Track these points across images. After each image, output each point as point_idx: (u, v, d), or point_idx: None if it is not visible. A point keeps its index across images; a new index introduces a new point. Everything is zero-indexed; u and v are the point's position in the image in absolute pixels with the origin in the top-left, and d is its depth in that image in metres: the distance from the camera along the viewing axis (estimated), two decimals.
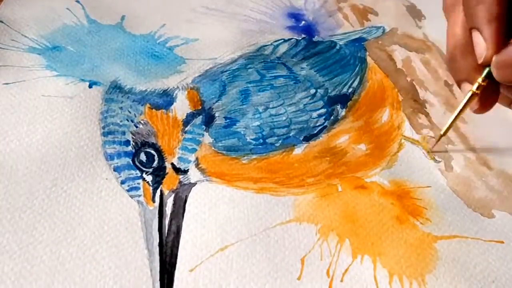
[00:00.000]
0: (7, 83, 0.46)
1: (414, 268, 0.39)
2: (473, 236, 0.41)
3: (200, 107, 0.47)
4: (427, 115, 0.51)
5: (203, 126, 0.45)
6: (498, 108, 0.47)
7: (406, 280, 0.38)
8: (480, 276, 0.39)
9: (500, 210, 0.44)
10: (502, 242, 0.41)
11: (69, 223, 0.38)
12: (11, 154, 0.41)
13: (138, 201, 0.40)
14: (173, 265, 0.37)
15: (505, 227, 0.42)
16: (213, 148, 0.44)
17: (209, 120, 0.46)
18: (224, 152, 0.44)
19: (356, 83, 0.52)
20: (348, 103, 0.50)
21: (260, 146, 0.45)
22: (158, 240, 0.38)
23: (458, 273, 0.39)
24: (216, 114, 0.46)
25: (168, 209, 0.40)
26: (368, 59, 0.56)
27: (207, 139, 0.45)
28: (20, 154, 0.41)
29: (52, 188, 0.40)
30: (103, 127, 0.44)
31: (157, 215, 0.39)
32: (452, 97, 0.54)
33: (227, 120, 0.46)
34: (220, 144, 0.45)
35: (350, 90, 0.51)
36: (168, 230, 0.39)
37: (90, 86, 0.47)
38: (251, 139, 0.45)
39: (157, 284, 0.36)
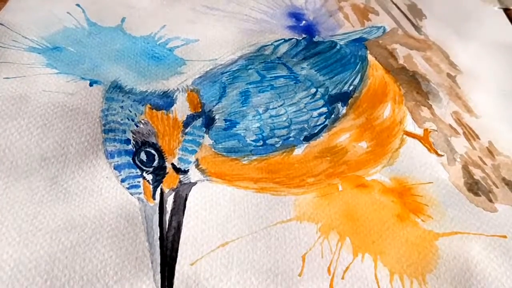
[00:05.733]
0: (7, 78, 0.46)
1: (414, 267, 0.39)
2: (475, 231, 0.41)
3: (200, 110, 0.47)
4: (430, 107, 0.51)
5: (203, 128, 0.45)
6: (504, 97, 0.48)
7: (406, 279, 0.38)
8: (480, 275, 0.38)
9: (503, 203, 0.44)
10: (505, 237, 0.41)
11: (69, 214, 0.38)
12: (11, 148, 0.41)
13: (139, 198, 0.40)
14: (173, 259, 0.37)
15: (508, 221, 0.42)
16: (213, 149, 0.44)
17: (209, 122, 0.46)
18: (224, 153, 0.44)
19: (357, 80, 0.52)
20: (349, 100, 0.50)
21: (260, 147, 0.45)
22: (158, 234, 0.38)
23: (458, 272, 0.38)
24: (216, 117, 0.46)
25: (169, 206, 0.40)
26: (369, 57, 0.56)
27: (207, 140, 0.45)
28: (20, 149, 0.41)
29: (52, 185, 0.40)
30: (104, 125, 0.44)
31: (157, 211, 0.39)
32: (456, 86, 0.54)
33: (227, 123, 0.46)
34: (220, 146, 0.44)
35: (351, 87, 0.51)
36: (168, 226, 0.39)
37: (90, 85, 0.47)
38: (251, 140, 0.45)
39: (158, 276, 0.36)
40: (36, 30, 0.53)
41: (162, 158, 0.42)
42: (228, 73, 0.51)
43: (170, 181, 0.41)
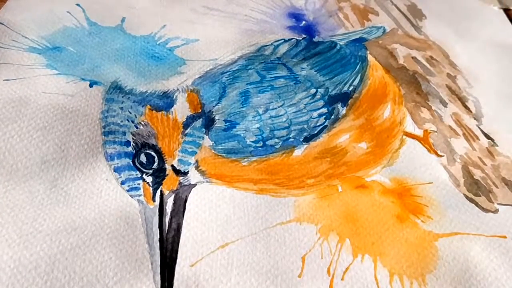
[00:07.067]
0: (7, 79, 0.46)
1: (414, 268, 0.39)
2: (475, 232, 0.41)
3: (200, 110, 0.46)
4: (429, 108, 0.51)
5: (203, 129, 0.45)
6: (504, 97, 0.48)
7: (406, 280, 0.38)
8: (480, 275, 0.38)
9: (503, 204, 0.44)
10: (505, 237, 0.41)
11: (69, 216, 0.38)
12: (11, 151, 0.41)
13: (138, 200, 0.40)
14: (173, 260, 0.37)
15: (508, 221, 0.42)
16: (213, 150, 0.44)
17: (209, 123, 0.46)
18: (224, 154, 0.44)
19: (357, 81, 0.52)
20: (349, 101, 0.50)
21: (260, 149, 0.45)
22: (158, 236, 0.38)
23: (458, 273, 0.38)
24: (216, 117, 0.46)
25: (168, 208, 0.40)
26: (369, 57, 0.56)
27: (207, 142, 0.44)
28: (20, 152, 0.41)
29: (52, 189, 0.40)
30: (104, 127, 0.44)
31: (157, 213, 0.39)
32: (456, 87, 0.54)
33: (227, 123, 0.46)
34: (220, 147, 0.44)
35: (351, 88, 0.51)
36: (168, 227, 0.39)
37: (90, 86, 0.47)
38: (251, 141, 0.45)
39: (158, 277, 0.36)
40: (36, 30, 0.53)
41: (162, 160, 0.42)
42: (228, 73, 0.51)
43: (170, 183, 0.41)
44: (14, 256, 0.35)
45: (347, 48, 0.56)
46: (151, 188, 0.41)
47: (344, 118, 0.48)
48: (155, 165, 0.42)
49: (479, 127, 0.50)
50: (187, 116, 0.46)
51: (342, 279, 0.37)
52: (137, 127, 0.44)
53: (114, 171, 0.41)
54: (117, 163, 0.42)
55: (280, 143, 0.45)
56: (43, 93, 0.45)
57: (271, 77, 0.51)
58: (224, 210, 0.40)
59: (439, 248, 0.40)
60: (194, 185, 0.42)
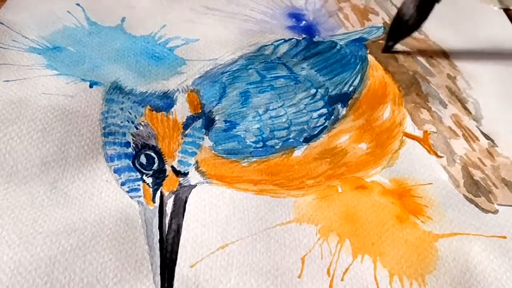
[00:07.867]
0: (7, 80, 0.46)
1: (414, 269, 0.38)
2: (475, 232, 0.41)
3: (200, 111, 0.46)
4: (429, 109, 0.51)
5: (203, 130, 0.45)
6: (504, 98, 0.48)
7: (406, 280, 0.38)
8: (480, 276, 0.38)
9: (503, 204, 0.44)
10: (505, 238, 0.41)
11: (69, 217, 0.38)
12: (11, 152, 0.41)
13: (138, 201, 0.40)
14: (173, 261, 0.37)
15: (508, 222, 0.42)
16: (213, 151, 0.44)
17: (209, 124, 0.46)
18: (224, 155, 0.44)
19: (357, 81, 0.52)
20: (349, 101, 0.50)
21: (260, 149, 0.45)
22: (158, 237, 0.38)
23: (458, 273, 0.38)
24: (216, 118, 0.46)
25: (168, 209, 0.40)
26: (369, 57, 0.56)
27: (207, 142, 0.44)
28: (20, 153, 0.41)
29: (52, 190, 0.40)
30: (104, 128, 0.44)
31: (157, 214, 0.39)
32: (456, 88, 0.54)
33: (227, 124, 0.46)
34: (220, 148, 0.44)
35: (351, 88, 0.51)
36: (168, 228, 0.39)
37: (90, 86, 0.47)
38: (251, 142, 0.45)
39: (158, 278, 0.36)
40: (36, 30, 0.53)
41: (162, 161, 0.42)
42: (228, 73, 0.51)
43: (170, 184, 0.41)
44: (14, 257, 0.35)
45: (347, 48, 0.56)
46: (151, 189, 0.41)
47: (344, 118, 0.48)
48: (155, 166, 0.42)
49: (478, 128, 0.50)
50: (187, 116, 0.46)
51: (342, 279, 0.37)
52: (137, 128, 0.44)
53: (114, 172, 0.41)
54: (117, 164, 0.42)
55: (280, 144, 0.45)
56: (43, 94, 0.45)
57: (271, 77, 0.50)
58: (224, 211, 0.40)
59: (439, 248, 0.40)
60: (194, 186, 0.42)
